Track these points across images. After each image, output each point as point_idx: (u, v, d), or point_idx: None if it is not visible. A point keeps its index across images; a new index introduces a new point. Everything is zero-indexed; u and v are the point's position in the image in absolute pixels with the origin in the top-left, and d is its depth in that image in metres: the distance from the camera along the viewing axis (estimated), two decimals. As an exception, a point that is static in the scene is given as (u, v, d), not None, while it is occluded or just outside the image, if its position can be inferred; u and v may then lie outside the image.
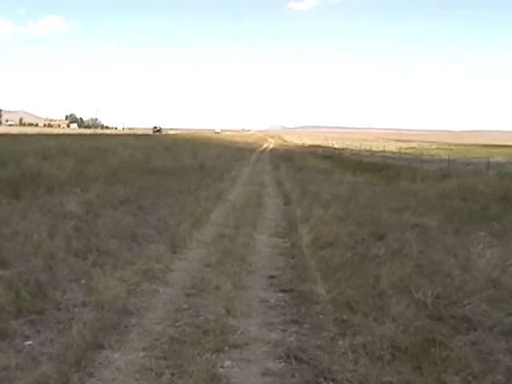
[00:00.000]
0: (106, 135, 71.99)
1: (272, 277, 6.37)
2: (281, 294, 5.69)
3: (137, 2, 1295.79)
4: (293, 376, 3.82)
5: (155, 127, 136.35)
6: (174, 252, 7.39)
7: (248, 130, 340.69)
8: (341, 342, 4.25)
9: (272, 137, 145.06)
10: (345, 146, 62.16)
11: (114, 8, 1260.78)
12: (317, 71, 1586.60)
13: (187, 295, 5.53)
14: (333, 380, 3.75)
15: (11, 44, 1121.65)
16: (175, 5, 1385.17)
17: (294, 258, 7.29)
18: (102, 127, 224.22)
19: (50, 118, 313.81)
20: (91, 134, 67.01)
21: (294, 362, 4.01)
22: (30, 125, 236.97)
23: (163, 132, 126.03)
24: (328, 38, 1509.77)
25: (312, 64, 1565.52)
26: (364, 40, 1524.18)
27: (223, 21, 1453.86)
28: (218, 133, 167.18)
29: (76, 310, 4.95)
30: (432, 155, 39.47)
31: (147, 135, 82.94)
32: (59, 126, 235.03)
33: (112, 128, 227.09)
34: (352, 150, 49.48)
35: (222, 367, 3.92)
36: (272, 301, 5.48)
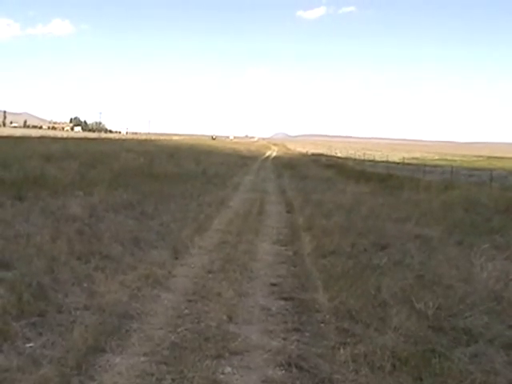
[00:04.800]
0: (110, 139, 71.85)
1: (273, 284, 6.37)
2: (282, 302, 5.68)
3: (144, 10, 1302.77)
4: (293, 384, 3.82)
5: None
6: (176, 258, 7.41)
7: (252, 137, 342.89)
8: (342, 351, 4.25)
9: (275, 144, 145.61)
10: (348, 155, 62.25)
11: (122, 14, 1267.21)
12: (322, 80, 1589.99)
13: (189, 301, 5.53)
14: (333, 389, 3.75)
15: (18, 46, 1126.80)
16: (182, 13, 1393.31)
17: (295, 266, 7.30)
18: (106, 131, 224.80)
19: (55, 120, 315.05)
20: (95, 139, 66.97)
21: (294, 370, 4.01)
22: (34, 127, 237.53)
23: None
24: (334, 48, 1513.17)
25: (317, 73, 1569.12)
26: (369, 50, 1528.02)
27: (230, 28, 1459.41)
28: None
29: (78, 313, 4.96)
30: (435, 166, 39.46)
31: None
32: (63, 128, 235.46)
33: (116, 132, 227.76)
34: (355, 160, 49.48)
35: (223, 374, 3.91)
36: (273, 308, 5.48)
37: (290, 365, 4.07)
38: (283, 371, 4.00)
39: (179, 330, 4.69)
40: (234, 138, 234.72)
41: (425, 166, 32.92)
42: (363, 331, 4.70)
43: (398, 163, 42.36)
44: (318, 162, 45.94)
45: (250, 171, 29.87)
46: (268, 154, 72.84)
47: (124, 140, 71.10)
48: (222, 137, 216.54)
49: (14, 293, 5.11)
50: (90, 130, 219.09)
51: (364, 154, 59.74)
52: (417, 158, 62.51)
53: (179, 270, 6.86)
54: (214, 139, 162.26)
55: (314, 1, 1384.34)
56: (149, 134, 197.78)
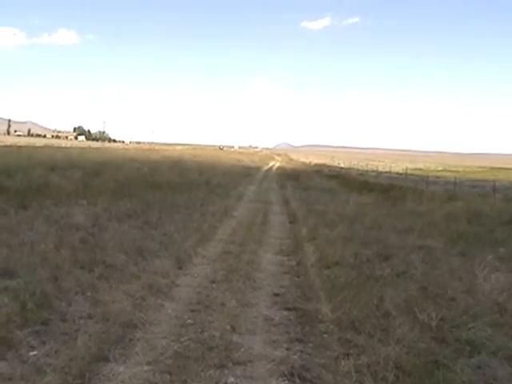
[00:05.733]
0: (114, 149, 72.05)
1: (277, 295, 6.37)
2: (285, 312, 5.68)
3: (149, 23, 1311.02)
4: (296, 395, 3.81)
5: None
6: (180, 267, 7.42)
7: (255, 147, 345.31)
8: (345, 362, 4.24)
9: (279, 155, 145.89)
10: (351, 165, 62.17)
11: (127, 25, 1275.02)
12: (325, 90, 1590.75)
13: (192, 311, 5.55)
14: (336, 400, 3.74)
15: (24, 55, 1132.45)
16: (186, 25, 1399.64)
17: (298, 277, 7.29)
18: (110, 140, 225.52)
19: (58, 129, 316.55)
20: (99, 148, 67.16)
21: (297, 380, 4.00)
22: (38, 136, 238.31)
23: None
24: (338, 58, 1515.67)
25: (321, 83, 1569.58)
26: (371, 61, 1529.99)
27: (234, 38, 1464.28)
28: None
29: (81, 321, 4.97)
30: (438, 177, 39.37)
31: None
32: (67, 137, 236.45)
33: (119, 141, 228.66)
34: (358, 170, 49.45)
35: (226, 383, 3.91)
36: (276, 319, 5.47)
37: (292, 375, 4.07)
38: (286, 381, 4.00)
39: (182, 339, 4.69)
40: (239, 148, 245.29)
41: (428, 176, 32.87)
42: (366, 342, 4.69)
43: (401, 174, 42.28)
44: (320, 172, 45.92)
45: (253, 181, 29.90)
46: (271, 164, 72.82)
47: (127, 149, 71.31)
48: (226, 147, 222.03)
49: (17, 301, 5.14)
50: (93, 139, 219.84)
51: (367, 164, 59.58)
52: (420, 169, 62.38)
53: (183, 279, 6.87)
54: (221, 149, 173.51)
55: (319, 12, 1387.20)
56: (152, 143, 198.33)
